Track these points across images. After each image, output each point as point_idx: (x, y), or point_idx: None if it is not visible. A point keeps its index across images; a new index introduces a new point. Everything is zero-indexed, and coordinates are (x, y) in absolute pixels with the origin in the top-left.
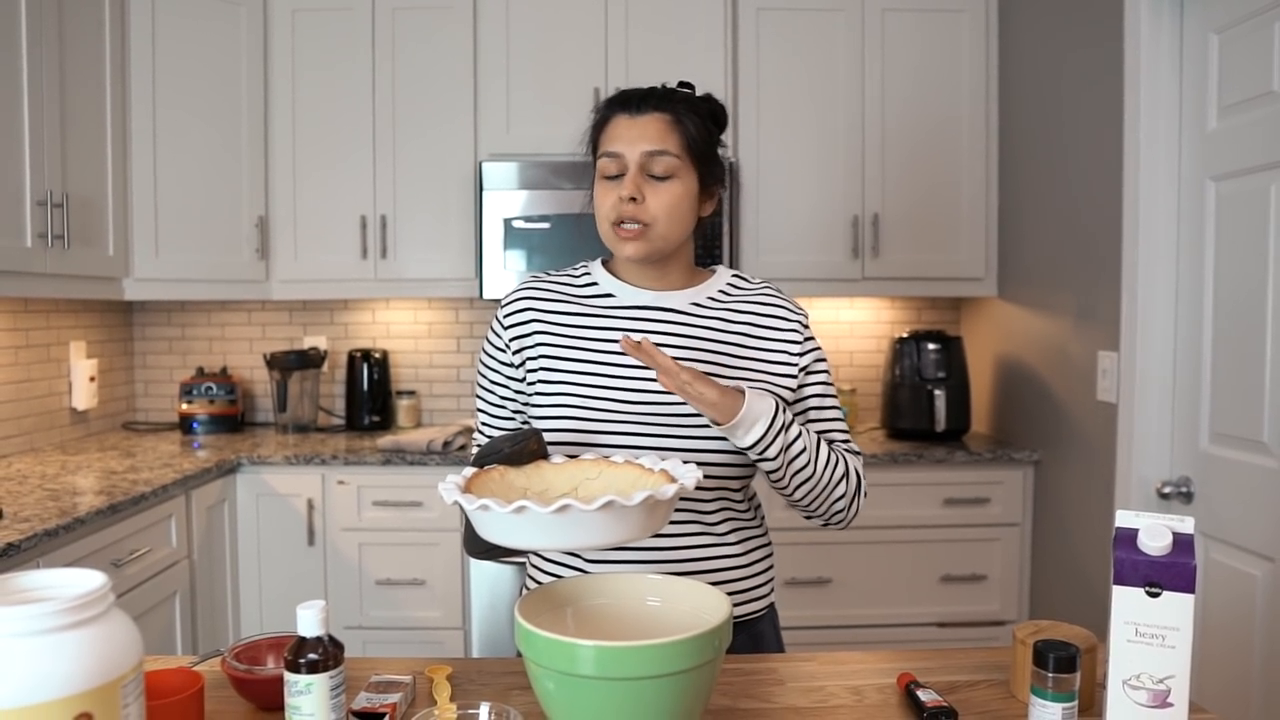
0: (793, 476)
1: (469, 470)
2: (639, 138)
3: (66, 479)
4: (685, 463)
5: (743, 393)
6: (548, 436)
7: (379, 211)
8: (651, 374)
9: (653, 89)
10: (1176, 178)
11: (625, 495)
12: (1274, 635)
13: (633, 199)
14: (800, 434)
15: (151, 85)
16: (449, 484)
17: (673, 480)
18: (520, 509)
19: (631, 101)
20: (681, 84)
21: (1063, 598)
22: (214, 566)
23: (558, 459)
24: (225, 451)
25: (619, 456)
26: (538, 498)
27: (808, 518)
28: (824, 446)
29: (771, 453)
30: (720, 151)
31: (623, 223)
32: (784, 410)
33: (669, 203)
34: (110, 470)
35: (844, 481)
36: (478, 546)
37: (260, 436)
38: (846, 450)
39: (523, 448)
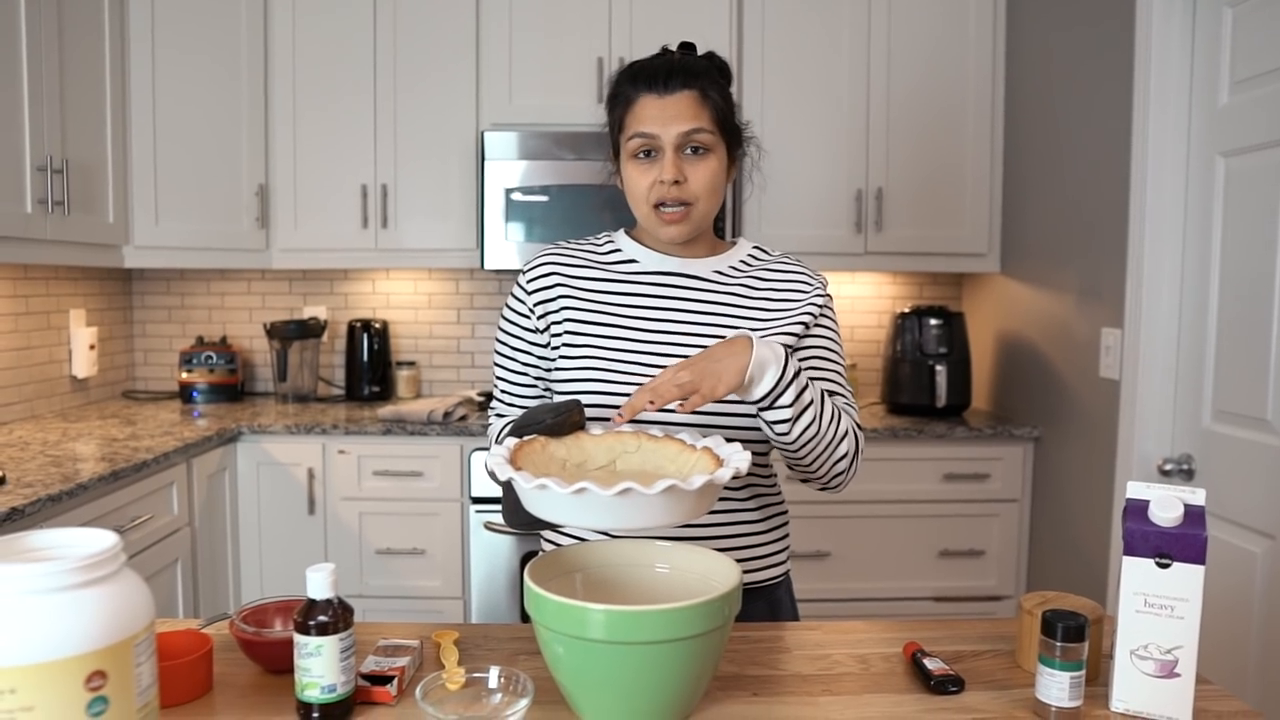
0: (801, 431)
1: (510, 441)
2: (673, 118)
3: (68, 446)
4: (729, 440)
5: (750, 344)
6: None
7: (380, 181)
8: (677, 340)
9: (670, 62)
10: (1185, 154)
11: (665, 471)
12: (1273, 611)
13: (676, 181)
14: (809, 384)
15: (151, 51)
16: (497, 458)
17: (716, 458)
18: (581, 490)
19: (657, 78)
20: (683, 45)
21: (1060, 573)
22: (215, 534)
23: (595, 430)
24: (225, 420)
25: (657, 430)
26: (577, 469)
27: (806, 480)
28: (827, 400)
29: (786, 400)
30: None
31: (663, 204)
32: (792, 357)
33: (708, 179)
34: (111, 438)
35: (846, 438)
36: (520, 519)
37: (260, 406)
38: (846, 406)
39: (565, 419)
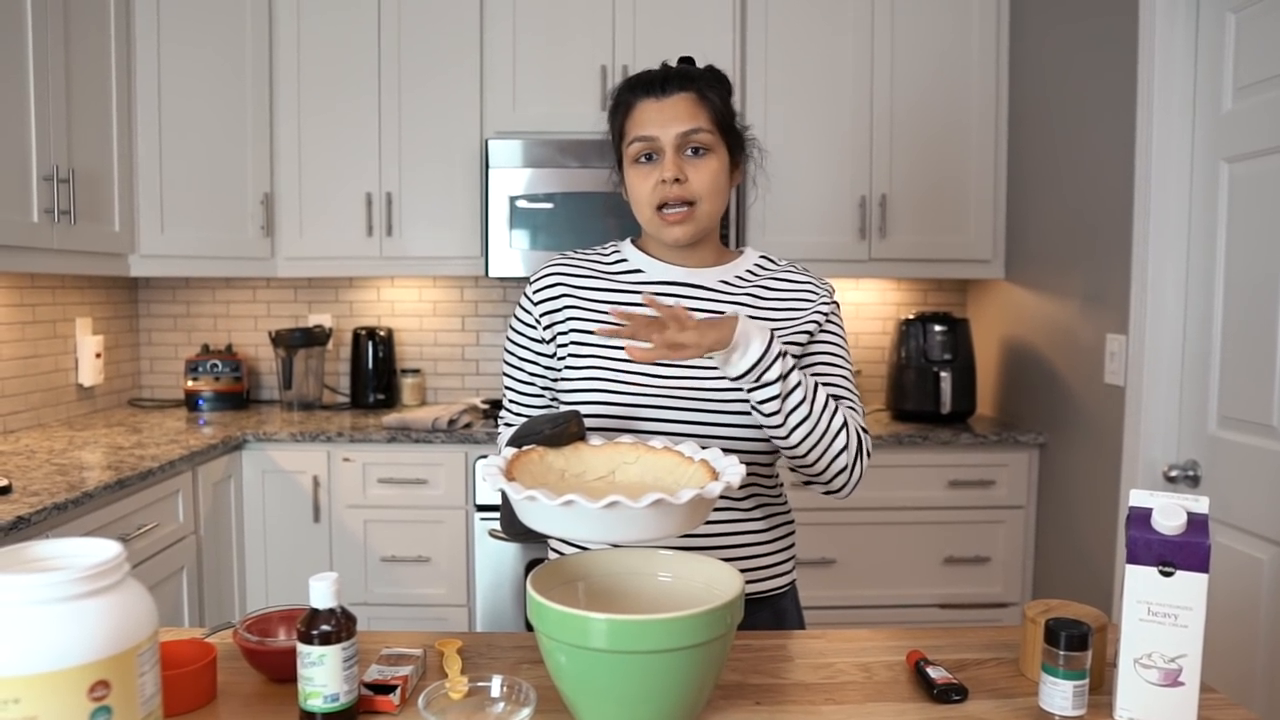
0: (789, 415)
1: (509, 451)
2: (671, 119)
3: (74, 454)
4: (726, 451)
5: (738, 318)
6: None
7: (384, 189)
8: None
9: (667, 69)
10: (1189, 159)
11: (663, 483)
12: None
13: (677, 180)
14: (795, 366)
15: (156, 60)
16: (491, 468)
17: (713, 472)
18: (568, 503)
19: (654, 84)
20: (682, 59)
21: (1066, 580)
22: (221, 542)
23: (596, 440)
24: (231, 428)
25: (657, 441)
26: (575, 480)
27: (809, 482)
28: (821, 390)
29: (771, 375)
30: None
31: (666, 205)
32: (778, 340)
33: (710, 179)
34: (117, 446)
35: (844, 433)
36: (517, 528)
37: (265, 413)
38: (850, 408)
39: (563, 430)
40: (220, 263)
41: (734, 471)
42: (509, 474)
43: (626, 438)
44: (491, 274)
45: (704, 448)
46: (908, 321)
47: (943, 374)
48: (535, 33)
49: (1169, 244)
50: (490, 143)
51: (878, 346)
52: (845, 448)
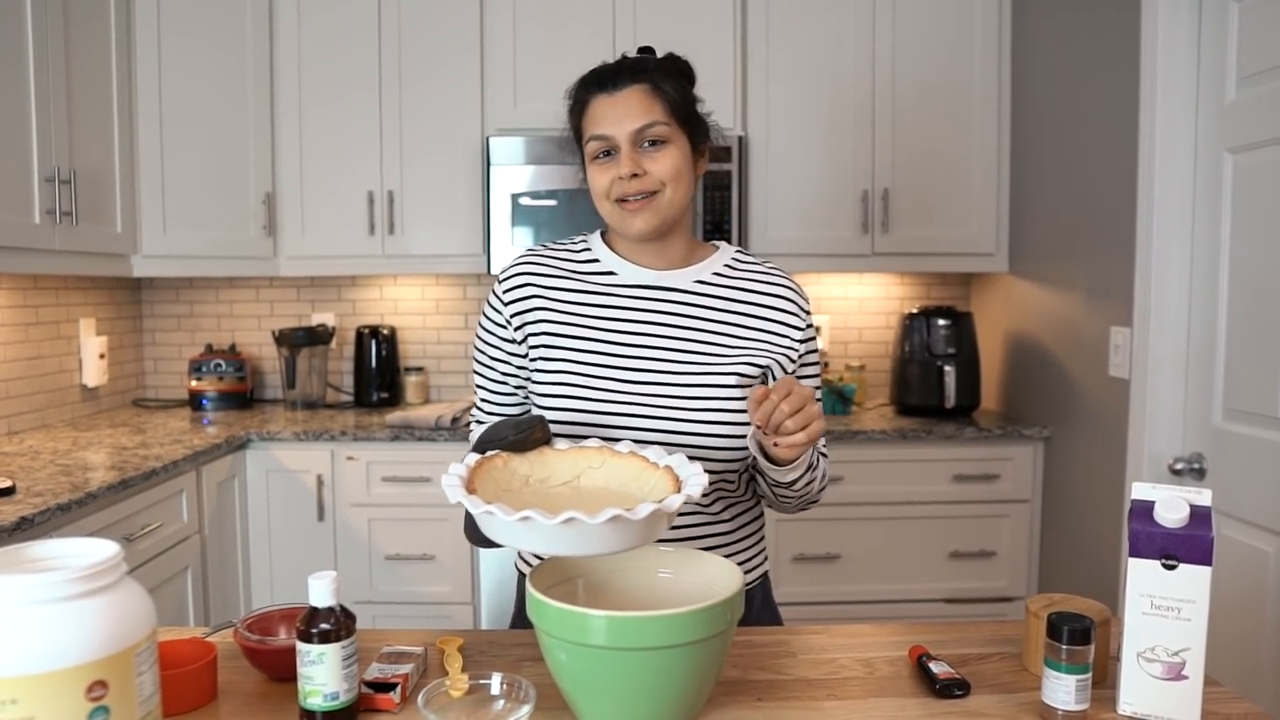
0: (794, 497)
1: (471, 458)
2: (624, 115)
3: (78, 454)
4: (691, 458)
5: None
6: (548, 414)
7: (386, 187)
8: (655, 354)
9: (621, 62)
10: (1193, 150)
11: (628, 489)
12: None
13: (634, 175)
14: (816, 461)
15: (157, 61)
16: (452, 478)
17: (676, 480)
18: (525, 519)
19: (606, 79)
20: (641, 50)
21: (1071, 574)
22: (225, 541)
23: (561, 444)
24: (235, 428)
25: (623, 446)
26: (540, 485)
27: (768, 506)
28: (819, 466)
29: (799, 486)
30: (699, 108)
31: (626, 199)
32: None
33: (669, 167)
34: (121, 446)
35: (821, 493)
36: (477, 537)
37: (269, 413)
38: (829, 464)
39: (526, 435)
40: (223, 262)
41: (695, 482)
42: (471, 482)
43: (592, 442)
44: (494, 271)
45: (670, 452)
46: (911, 316)
47: (946, 368)
48: (535, 27)
49: (1173, 236)
50: (492, 140)
51: (881, 341)
52: (814, 501)
